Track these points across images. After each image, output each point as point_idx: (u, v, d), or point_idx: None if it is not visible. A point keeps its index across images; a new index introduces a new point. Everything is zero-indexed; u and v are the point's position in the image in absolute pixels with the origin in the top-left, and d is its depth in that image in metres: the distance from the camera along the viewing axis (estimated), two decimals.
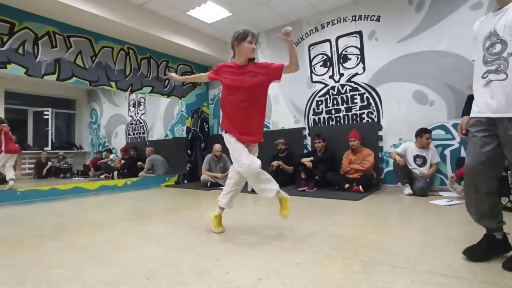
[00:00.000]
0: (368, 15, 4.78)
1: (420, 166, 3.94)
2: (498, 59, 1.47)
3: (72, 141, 8.56)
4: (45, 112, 7.85)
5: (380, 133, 4.63)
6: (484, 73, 1.53)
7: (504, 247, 1.58)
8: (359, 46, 4.88)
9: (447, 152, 4.10)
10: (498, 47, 1.47)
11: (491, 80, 1.49)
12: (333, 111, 5.14)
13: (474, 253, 1.56)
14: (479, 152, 1.52)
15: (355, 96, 4.91)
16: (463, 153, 3.95)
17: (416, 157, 3.98)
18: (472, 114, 1.60)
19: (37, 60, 4.34)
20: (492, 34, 1.50)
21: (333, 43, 5.15)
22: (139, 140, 7.58)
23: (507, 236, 1.60)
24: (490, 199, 1.54)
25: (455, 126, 4.02)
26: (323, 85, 5.25)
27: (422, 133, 3.90)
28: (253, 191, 3.54)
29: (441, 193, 3.75)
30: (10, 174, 4.91)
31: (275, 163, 5.09)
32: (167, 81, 6.20)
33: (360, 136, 4.39)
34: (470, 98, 1.73)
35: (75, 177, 7.61)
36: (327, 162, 4.53)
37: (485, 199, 1.54)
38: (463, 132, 1.73)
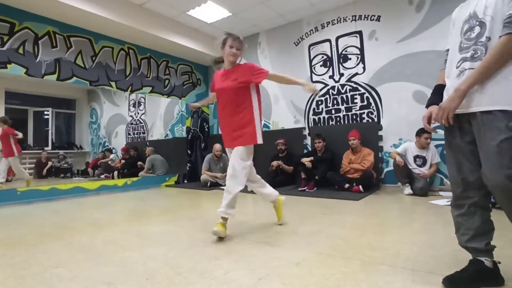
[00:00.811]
0: (368, 15, 4.77)
1: (420, 166, 3.94)
2: (475, 44, 1.25)
3: (72, 141, 8.55)
4: (45, 112, 7.84)
5: (380, 133, 4.63)
6: (458, 61, 1.30)
7: (494, 279, 1.29)
8: (359, 46, 4.88)
9: None
10: (477, 30, 1.25)
11: (465, 69, 1.26)
12: (333, 111, 5.14)
13: (455, 283, 1.28)
14: (464, 160, 1.31)
15: (355, 96, 4.91)
16: None
17: (416, 157, 3.98)
18: None
19: (37, 60, 4.34)
20: (472, 17, 1.28)
21: (333, 43, 5.15)
22: (139, 140, 7.57)
23: (497, 265, 1.32)
24: (485, 213, 1.32)
25: None
26: (323, 85, 5.25)
27: (421, 133, 3.89)
28: (253, 191, 3.54)
29: (441, 193, 3.75)
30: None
31: (274, 163, 5.09)
32: (167, 81, 6.20)
33: (360, 136, 4.39)
34: (437, 87, 1.48)
35: (75, 177, 7.61)
36: (327, 162, 4.52)
37: (479, 214, 1.31)
38: (428, 122, 1.43)
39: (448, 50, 1.45)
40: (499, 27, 1.18)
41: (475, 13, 1.27)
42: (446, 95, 1.35)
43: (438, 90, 1.44)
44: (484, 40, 1.22)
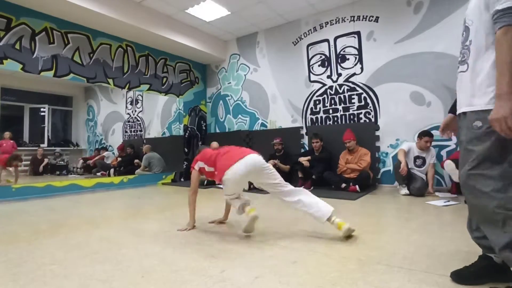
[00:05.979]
0: (367, 16, 4.78)
1: (419, 166, 3.95)
2: (463, 48, 1.30)
3: (69, 138, 8.50)
4: (42, 109, 7.78)
5: (377, 133, 4.64)
6: (457, 67, 1.35)
7: (502, 274, 1.27)
8: (357, 47, 4.89)
9: (443, 153, 4.12)
10: (465, 35, 1.30)
11: (459, 72, 1.32)
12: (330, 111, 5.15)
13: (463, 275, 1.32)
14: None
15: (352, 96, 4.92)
16: None
17: (416, 158, 3.98)
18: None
19: (34, 56, 4.30)
20: (464, 23, 1.33)
21: (332, 43, 5.15)
22: (136, 137, 7.54)
23: None
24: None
25: None
26: (321, 85, 5.26)
27: (422, 136, 3.91)
28: (250, 190, 3.51)
29: (437, 193, 3.76)
30: None
31: (271, 162, 5.08)
32: (165, 79, 6.18)
33: (354, 136, 4.38)
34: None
35: (71, 174, 7.57)
36: (324, 162, 4.53)
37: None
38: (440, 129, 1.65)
39: None
40: (479, 31, 1.21)
41: (464, 19, 1.31)
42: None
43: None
44: (468, 43, 1.26)
